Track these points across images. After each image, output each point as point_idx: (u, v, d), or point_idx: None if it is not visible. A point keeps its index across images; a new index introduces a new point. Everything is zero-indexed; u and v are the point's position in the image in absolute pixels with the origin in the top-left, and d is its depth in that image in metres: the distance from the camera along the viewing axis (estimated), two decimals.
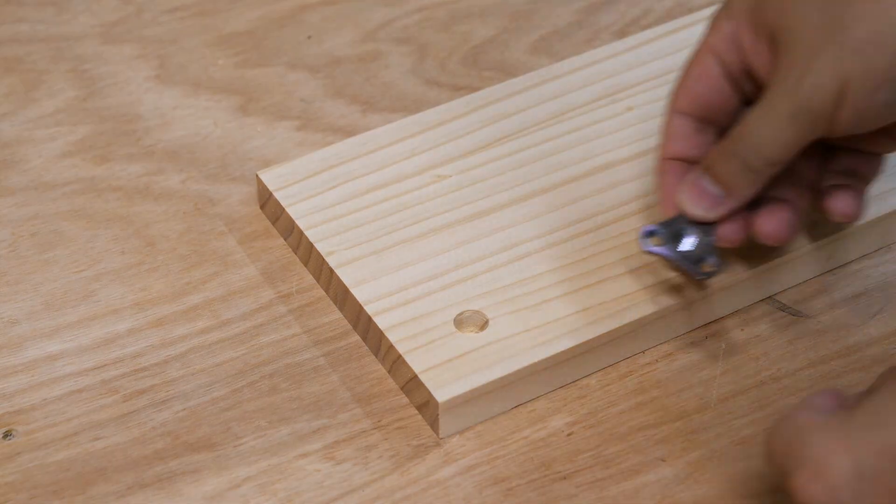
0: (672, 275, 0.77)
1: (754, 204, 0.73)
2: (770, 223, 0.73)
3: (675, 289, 0.76)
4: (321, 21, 0.95)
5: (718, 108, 0.74)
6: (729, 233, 0.73)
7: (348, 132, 0.87)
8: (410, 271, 0.77)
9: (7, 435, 0.73)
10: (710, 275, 0.74)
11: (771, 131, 0.70)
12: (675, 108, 0.75)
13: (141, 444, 0.72)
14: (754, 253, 0.78)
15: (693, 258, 0.74)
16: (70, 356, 0.76)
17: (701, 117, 0.74)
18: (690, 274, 0.74)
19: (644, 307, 0.75)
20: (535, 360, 0.73)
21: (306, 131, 0.88)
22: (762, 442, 0.66)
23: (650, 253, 0.74)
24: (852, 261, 0.81)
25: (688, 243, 0.73)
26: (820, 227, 0.79)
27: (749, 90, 0.73)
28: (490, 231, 0.79)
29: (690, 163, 0.74)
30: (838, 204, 0.74)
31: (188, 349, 0.76)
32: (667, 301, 0.76)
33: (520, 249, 0.78)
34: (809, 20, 0.68)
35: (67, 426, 0.73)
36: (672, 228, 0.74)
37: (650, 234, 0.74)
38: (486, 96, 0.86)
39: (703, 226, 0.74)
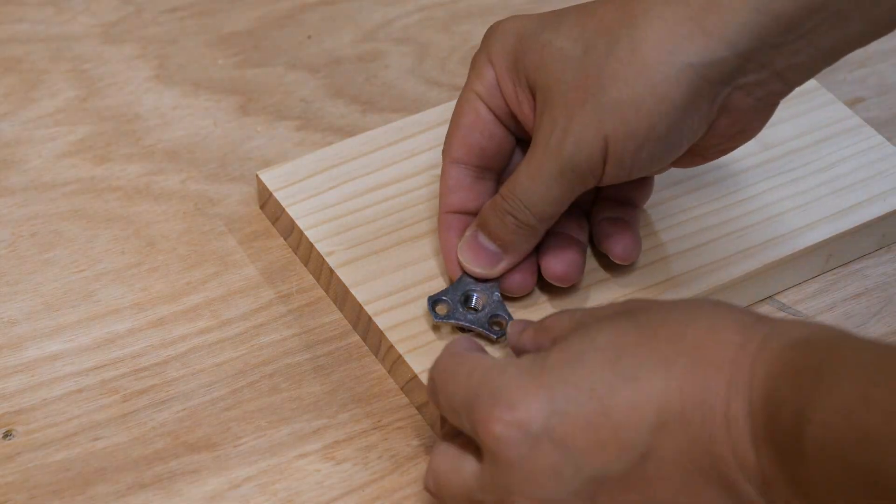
0: (673, 275, 0.77)
1: (538, 244, 0.74)
2: (558, 266, 0.74)
3: (674, 289, 0.76)
4: (321, 21, 0.95)
5: (494, 154, 0.74)
6: (516, 284, 0.74)
7: (348, 132, 0.87)
8: (410, 271, 0.77)
9: (7, 435, 0.73)
10: (502, 334, 0.73)
11: (539, 189, 0.70)
12: (451, 158, 0.75)
13: (141, 444, 0.72)
14: (754, 253, 0.78)
15: (484, 320, 0.73)
16: (70, 356, 0.76)
17: (478, 165, 0.74)
18: (486, 335, 0.73)
19: None
20: None
21: (306, 131, 0.88)
22: (427, 382, 0.67)
23: (441, 323, 0.74)
24: (852, 261, 0.81)
25: (476, 305, 0.74)
26: (819, 227, 0.79)
27: (520, 132, 0.74)
28: None
29: (473, 215, 0.75)
30: (616, 248, 0.75)
31: (188, 349, 0.76)
32: None
33: None
34: (566, 77, 0.69)
35: (67, 426, 0.73)
36: (459, 291, 0.74)
37: (436, 302, 0.74)
38: None
39: (491, 281, 0.74)
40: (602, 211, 0.76)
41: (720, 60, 0.67)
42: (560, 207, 0.71)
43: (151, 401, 0.74)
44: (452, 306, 0.74)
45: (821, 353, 0.58)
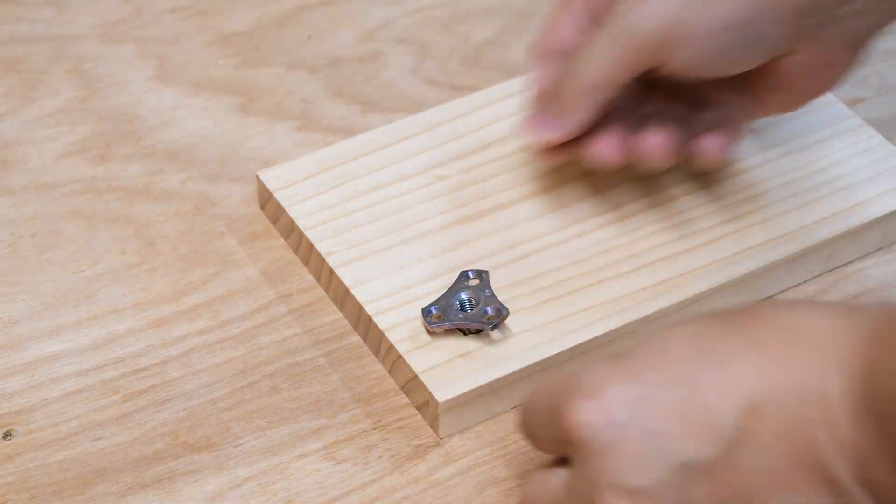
0: (672, 275, 0.77)
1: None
2: (653, 140, 0.74)
3: (675, 288, 0.76)
4: (321, 21, 0.95)
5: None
6: (597, 152, 0.74)
7: (348, 132, 0.87)
8: (410, 271, 0.77)
9: (7, 435, 0.73)
10: (496, 323, 0.73)
11: (595, 52, 0.70)
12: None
13: (141, 444, 0.72)
14: (754, 253, 0.78)
15: (477, 316, 0.74)
16: (70, 356, 0.76)
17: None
18: (479, 329, 0.73)
19: (644, 307, 0.75)
20: (535, 360, 0.73)
21: (306, 131, 0.88)
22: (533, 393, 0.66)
23: (437, 330, 0.74)
24: (852, 261, 0.81)
25: (468, 306, 0.74)
26: (820, 227, 0.79)
27: None
28: (490, 231, 0.79)
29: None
30: (705, 143, 0.75)
31: (188, 349, 0.76)
32: (667, 301, 0.76)
33: (519, 250, 0.78)
34: None
35: (67, 426, 0.73)
36: (450, 298, 0.74)
37: (429, 312, 0.74)
38: (486, 96, 0.86)
39: (477, 285, 0.74)
40: (698, 126, 0.75)
41: None
42: (614, 76, 0.70)
43: (151, 401, 0.74)
44: (445, 311, 0.74)
45: None
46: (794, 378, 0.58)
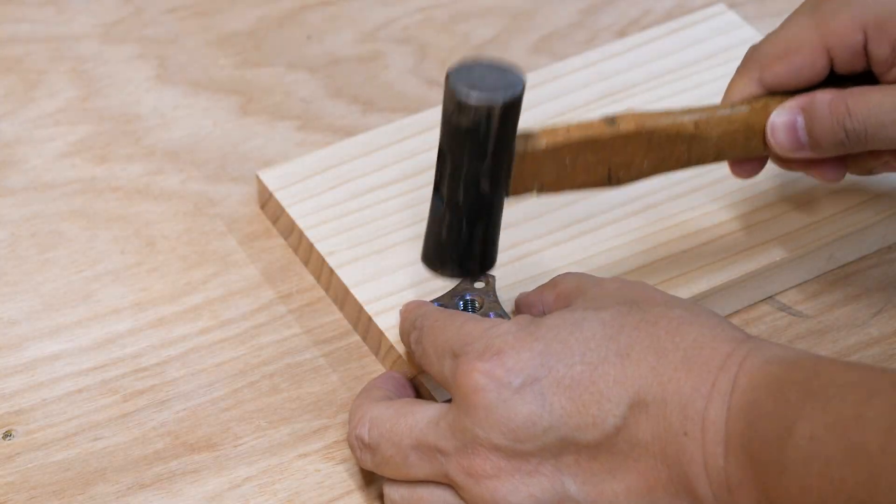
0: (672, 275, 0.77)
1: None
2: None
3: (674, 289, 0.76)
4: (321, 21, 0.95)
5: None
6: (826, 173, 0.74)
7: (348, 132, 0.87)
8: (410, 271, 0.77)
9: (7, 435, 0.73)
10: None
11: (887, 119, 0.70)
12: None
13: (141, 444, 0.72)
14: (754, 253, 0.78)
15: None
16: (70, 356, 0.76)
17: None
18: None
19: None
20: None
21: (306, 131, 0.88)
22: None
23: None
24: (852, 261, 0.81)
25: (469, 304, 0.74)
26: (820, 227, 0.79)
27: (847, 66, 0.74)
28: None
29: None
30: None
31: (188, 349, 0.76)
32: None
33: (519, 250, 0.78)
34: None
35: (67, 426, 0.73)
36: (455, 297, 0.74)
37: None
38: None
39: (484, 288, 0.74)
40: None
41: None
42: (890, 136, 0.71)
43: (151, 401, 0.74)
44: (449, 309, 0.74)
45: (807, 371, 0.60)
46: (683, 391, 0.61)
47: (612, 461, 0.62)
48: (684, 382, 0.61)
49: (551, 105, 0.86)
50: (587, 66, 0.88)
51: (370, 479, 0.71)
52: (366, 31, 0.94)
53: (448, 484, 0.65)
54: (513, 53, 0.92)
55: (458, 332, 0.66)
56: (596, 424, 0.62)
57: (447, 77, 0.67)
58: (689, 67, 0.88)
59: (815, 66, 0.73)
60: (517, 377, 0.63)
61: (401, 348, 0.74)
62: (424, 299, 0.75)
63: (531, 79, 0.87)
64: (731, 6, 0.93)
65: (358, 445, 0.67)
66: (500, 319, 0.67)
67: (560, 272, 0.77)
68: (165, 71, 0.91)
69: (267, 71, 0.92)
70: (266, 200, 0.82)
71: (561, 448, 0.63)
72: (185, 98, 0.90)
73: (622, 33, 0.94)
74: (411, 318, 0.70)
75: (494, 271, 0.76)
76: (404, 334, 0.71)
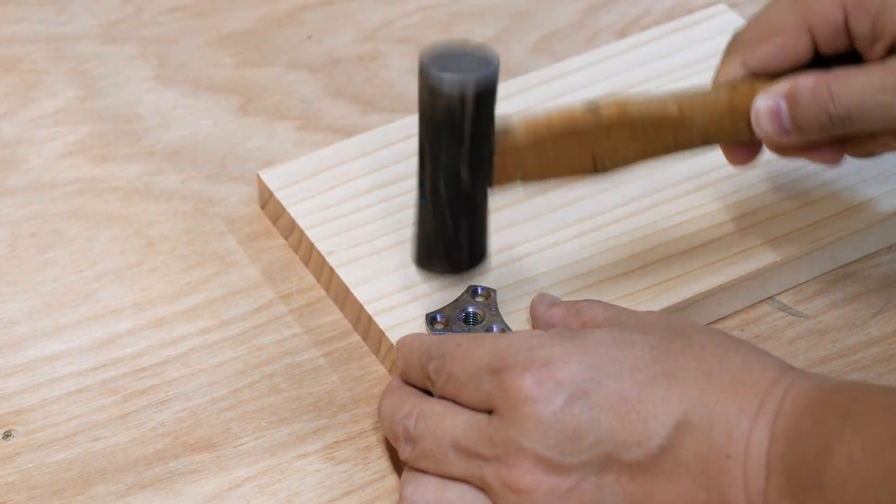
0: (672, 275, 0.77)
1: None
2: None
3: (675, 288, 0.76)
4: (321, 21, 0.95)
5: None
6: (822, 156, 0.74)
7: (348, 132, 0.87)
8: (410, 271, 0.77)
9: (7, 435, 0.73)
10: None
11: (869, 104, 0.70)
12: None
13: (141, 444, 0.72)
14: (754, 253, 0.78)
15: (481, 331, 0.73)
16: (70, 356, 0.76)
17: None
18: None
19: (645, 307, 0.75)
20: None
21: (306, 131, 0.88)
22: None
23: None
24: (852, 261, 0.81)
25: (471, 317, 0.74)
26: (820, 227, 0.79)
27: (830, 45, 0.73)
28: (489, 232, 0.79)
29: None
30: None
31: (188, 349, 0.76)
32: (666, 301, 0.76)
33: (519, 250, 0.78)
34: None
35: (67, 426, 0.73)
36: (457, 308, 0.74)
37: (434, 320, 0.74)
38: None
39: (485, 301, 0.74)
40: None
41: None
42: (871, 117, 0.71)
43: (151, 401, 0.74)
44: (450, 321, 0.74)
45: (846, 396, 0.61)
46: (730, 413, 0.62)
47: (651, 483, 0.62)
48: (731, 405, 0.62)
49: (551, 105, 0.85)
50: (587, 66, 0.88)
51: (370, 480, 0.71)
52: (366, 31, 0.94)
53: (481, 488, 0.64)
54: (513, 53, 0.92)
55: (493, 349, 0.65)
56: (641, 443, 0.62)
57: (420, 63, 0.67)
58: (689, 67, 0.88)
59: (797, 46, 0.72)
60: (567, 388, 0.63)
61: None
62: (424, 301, 0.75)
63: (531, 79, 0.87)
64: (732, 6, 0.93)
65: (402, 435, 0.67)
66: (531, 331, 0.66)
67: (559, 272, 0.77)
68: (165, 71, 0.91)
69: (267, 71, 0.92)
70: (266, 200, 0.82)
71: (603, 465, 0.62)
72: (185, 98, 0.90)
73: (622, 33, 0.94)
74: (421, 350, 0.68)
75: (493, 271, 0.76)
76: (415, 367, 0.69)
